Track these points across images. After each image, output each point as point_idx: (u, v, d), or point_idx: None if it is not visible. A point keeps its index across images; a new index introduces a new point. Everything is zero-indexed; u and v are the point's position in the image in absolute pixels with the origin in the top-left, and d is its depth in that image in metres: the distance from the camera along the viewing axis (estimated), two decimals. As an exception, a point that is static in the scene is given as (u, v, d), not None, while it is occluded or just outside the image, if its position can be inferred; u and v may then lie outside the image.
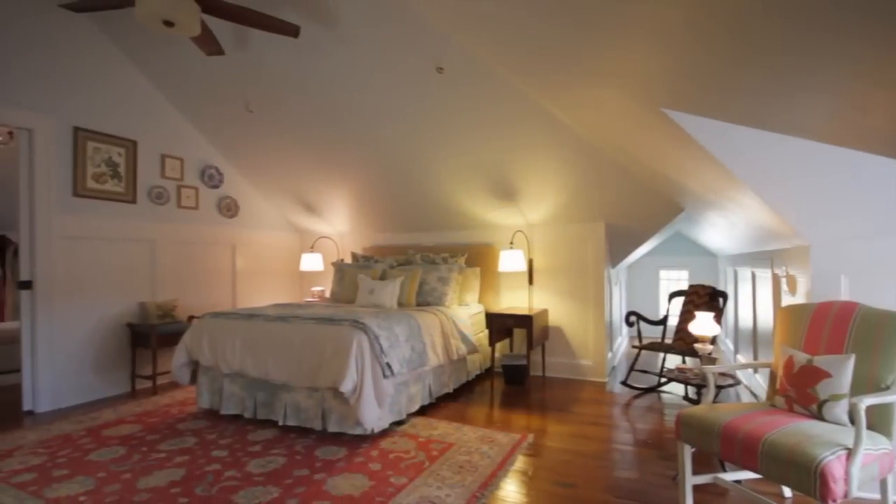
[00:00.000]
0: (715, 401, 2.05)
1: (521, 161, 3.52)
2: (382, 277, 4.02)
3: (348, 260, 4.98)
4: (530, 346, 3.49)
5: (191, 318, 3.72)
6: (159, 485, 2.07)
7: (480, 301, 4.26)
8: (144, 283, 3.80)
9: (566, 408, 3.19)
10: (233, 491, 2.01)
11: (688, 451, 1.80)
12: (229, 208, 4.57)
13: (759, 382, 3.30)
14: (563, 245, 4.08)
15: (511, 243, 4.07)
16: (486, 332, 3.97)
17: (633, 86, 2.05)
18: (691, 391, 3.41)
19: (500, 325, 3.63)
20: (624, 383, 3.73)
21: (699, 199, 3.18)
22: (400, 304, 3.73)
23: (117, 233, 3.60)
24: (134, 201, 3.72)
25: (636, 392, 3.58)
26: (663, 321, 3.90)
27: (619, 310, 5.17)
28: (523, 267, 3.91)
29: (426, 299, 3.79)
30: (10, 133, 4.19)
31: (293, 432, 2.70)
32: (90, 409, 3.20)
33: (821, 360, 1.70)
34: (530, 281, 4.17)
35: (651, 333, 4.79)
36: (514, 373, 3.76)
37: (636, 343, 3.77)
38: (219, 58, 3.26)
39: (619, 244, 4.16)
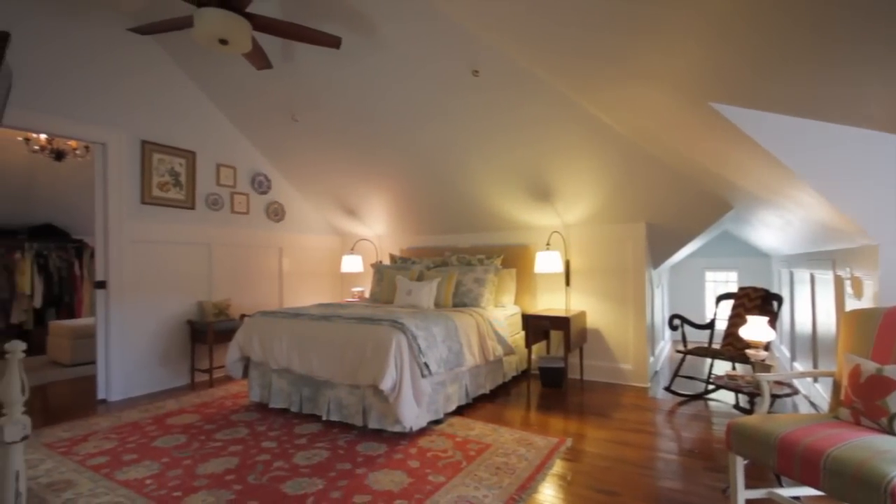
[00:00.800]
0: (770, 411, 1.95)
1: (557, 161, 3.48)
2: (420, 278, 4.10)
3: (387, 261, 5.11)
4: (568, 348, 3.44)
5: (242, 316, 3.96)
6: (216, 472, 2.23)
7: (516, 303, 4.25)
8: (202, 283, 4.09)
9: (606, 413, 3.13)
10: (281, 481, 2.13)
11: (740, 464, 1.73)
12: (276, 213, 4.82)
13: (819, 392, 3.09)
14: (602, 246, 3.99)
15: (547, 244, 4.03)
16: (523, 333, 3.96)
17: (679, 80, 2.00)
18: (743, 400, 3.25)
19: (536, 326, 3.61)
20: (668, 389, 3.60)
21: (750, 197, 3.02)
22: (437, 305, 3.79)
23: (178, 237, 3.90)
24: (193, 207, 4.01)
25: (681, 399, 3.44)
26: (710, 325, 3.73)
27: (661, 312, 4.98)
28: (560, 268, 3.87)
29: (462, 300, 3.83)
30: (87, 147, 4.63)
31: (336, 427, 2.82)
32: (155, 398, 3.48)
33: (892, 370, 1.59)
34: (567, 282, 4.11)
35: (696, 338, 4.59)
36: (551, 375, 3.73)
37: (680, 347, 3.63)
38: (267, 71, 3.46)
39: (660, 244, 4.01)
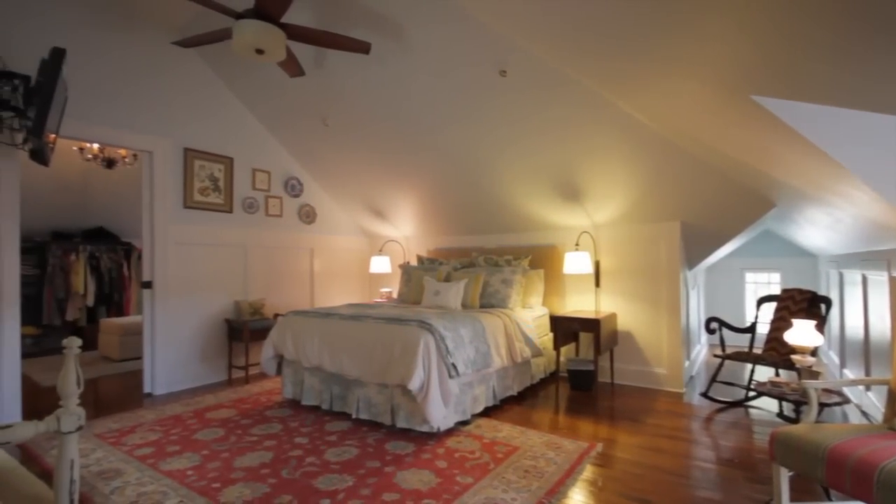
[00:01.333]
0: (817, 420, 1.85)
1: (587, 160, 3.42)
2: (447, 279, 4.12)
3: (414, 262, 5.16)
4: (598, 351, 3.37)
5: (276, 315, 4.10)
6: (251, 465, 2.32)
7: (544, 304, 4.19)
8: (238, 283, 4.26)
9: (638, 418, 3.04)
10: (313, 476, 2.19)
11: (784, 475, 1.65)
12: (308, 215, 4.96)
13: (872, 401, 2.89)
14: (633, 246, 3.88)
15: (577, 245, 3.96)
16: (551, 335, 3.90)
17: (717, 74, 1.92)
18: (787, 408, 3.08)
19: (565, 328, 3.55)
20: (704, 395, 3.46)
21: (795, 193, 2.87)
22: (464, 306, 3.79)
23: (217, 239, 4.08)
24: (230, 211, 4.19)
25: (719, 405, 3.30)
26: (751, 329, 3.56)
27: (696, 315, 4.79)
28: (589, 269, 3.79)
29: (489, 301, 3.82)
30: (135, 155, 4.92)
31: (365, 425, 2.87)
32: (196, 393, 3.65)
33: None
34: (597, 283, 4.03)
35: (735, 342, 4.38)
36: (581, 378, 3.66)
37: (718, 352, 3.48)
38: (299, 78, 3.57)
39: (696, 244, 3.86)
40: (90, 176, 5.30)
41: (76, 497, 1.16)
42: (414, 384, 2.53)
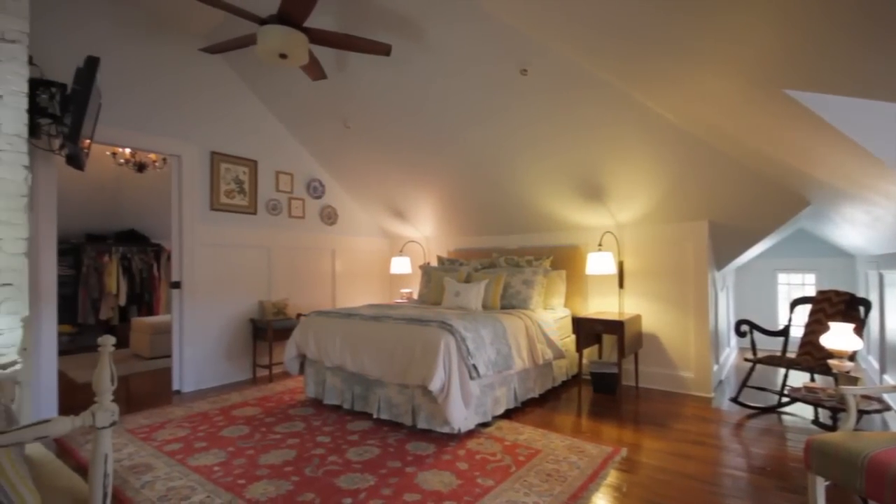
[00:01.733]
0: (856, 428, 1.76)
1: (611, 159, 3.35)
2: (467, 280, 4.11)
3: (434, 263, 5.16)
4: (622, 353, 3.30)
5: (299, 315, 4.16)
6: (275, 463, 2.35)
7: (566, 305, 4.13)
8: (262, 284, 4.34)
9: (664, 423, 2.96)
10: (335, 475, 2.21)
11: (821, 485, 1.58)
12: (330, 216, 5.02)
13: (917, 411, 2.74)
14: (659, 246, 3.78)
15: (599, 245, 3.89)
16: (573, 337, 3.84)
17: (747, 68, 1.86)
18: (823, 415, 2.95)
19: (587, 330, 3.49)
20: (734, 400, 3.34)
21: (831, 191, 2.75)
22: (484, 307, 3.77)
23: (242, 240, 4.17)
24: (255, 213, 4.28)
25: (750, 411, 3.19)
26: (784, 332, 3.42)
27: (725, 317, 4.64)
28: (613, 270, 3.71)
29: (511, 302, 3.78)
30: (165, 159, 5.07)
31: (386, 425, 2.88)
32: (222, 391, 3.74)
33: None
34: (621, 285, 3.94)
35: (767, 345, 4.21)
36: (604, 381, 3.58)
37: (749, 356, 3.36)
38: (321, 81, 3.61)
39: (725, 244, 3.74)
40: (122, 180, 5.50)
41: (109, 490, 1.19)
42: (434, 385, 2.53)
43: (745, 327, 3.45)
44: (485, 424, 2.87)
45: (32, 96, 2.47)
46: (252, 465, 2.32)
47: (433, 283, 4.31)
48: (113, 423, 1.19)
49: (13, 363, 1.92)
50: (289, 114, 4.35)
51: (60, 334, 3.18)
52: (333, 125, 4.20)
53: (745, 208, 3.33)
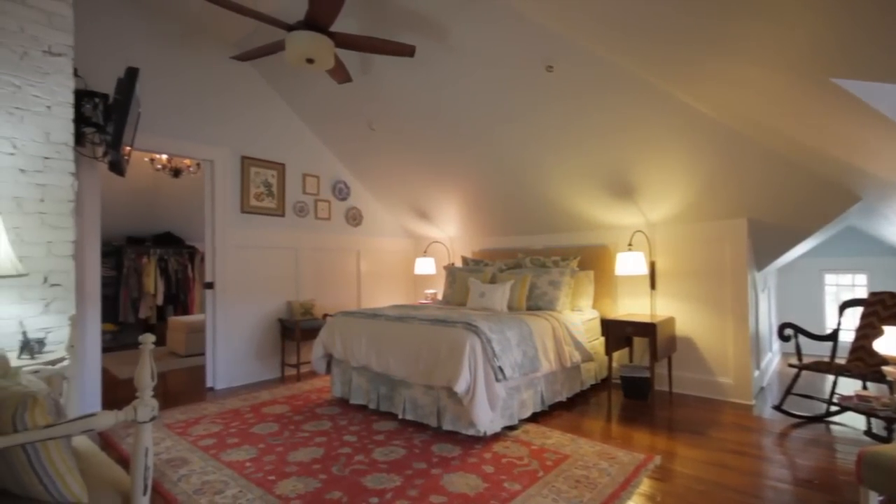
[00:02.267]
0: (913, 440, 1.64)
1: (642, 155, 3.25)
2: (492, 281, 4.07)
3: (459, 264, 5.14)
4: (654, 357, 3.19)
5: (325, 315, 4.23)
6: (304, 460, 2.39)
7: (595, 307, 4.03)
8: (290, 284, 4.44)
9: (701, 430, 2.84)
10: (361, 474, 2.23)
11: (874, 500, 1.47)
12: (355, 218, 5.09)
13: (984, 423, 2.52)
14: (694, 246, 3.64)
15: (630, 245, 3.77)
16: (602, 339, 3.74)
17: (791, 56, 1.76)
18: (877, 425, 2.76)
19: (617, 332, 3.39)
20: (778, 408, 3.17)
21: (884, 185, 2.57)
22: (510, 308, 3.72)
23: (270, 242, 4.28)
24: (283, 215, 4.38)
25: (795, 420, 3.02)
26: (832, 336, 3.22)
27: (767, 320, 4.41)
28: (644, 270, 3.60)
29: (537, 304, 3.72)
30: (198, 164, 5.26)
31: (411, 426, 2.88)
32: (252, 389, 3.84)
33: None
34: (652, 286, 3.81)
35: (813, 350, 3.98)
36: (635, 385, 3.47)
37: (794, 361, 3.18)
38: (346, 84, 3.66)
39: (766, 243, 3.56)
40: (159, 184, 5.75)
41: (150, 483, 1.23)
42: (460, 386, 2.51)
43: (789, 331, 3.27)
44: (511, 427, 2.82)
45: (77, 106, 2.60)
46: (281, 462, 2.36)
47: (458, 284, 4.29)
48: (153, 418, 1.23)
49: (61, 359, 2.02)
50: (315, 117, 4.43)
51: (103, 332, 3.34)
52: (358, 127, 4.25)
53: (788, 205, 3.16)
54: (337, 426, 2.90)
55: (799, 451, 2.53)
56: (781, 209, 3.22)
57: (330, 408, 3.28)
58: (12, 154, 2.20)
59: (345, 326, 3.32)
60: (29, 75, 2.24)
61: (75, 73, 2.45)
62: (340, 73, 3.09)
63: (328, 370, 3.54)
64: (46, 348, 2.11)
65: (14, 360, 1.89)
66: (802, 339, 3.25)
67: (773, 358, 4.64)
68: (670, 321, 3.55)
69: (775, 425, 2.94)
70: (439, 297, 5.16)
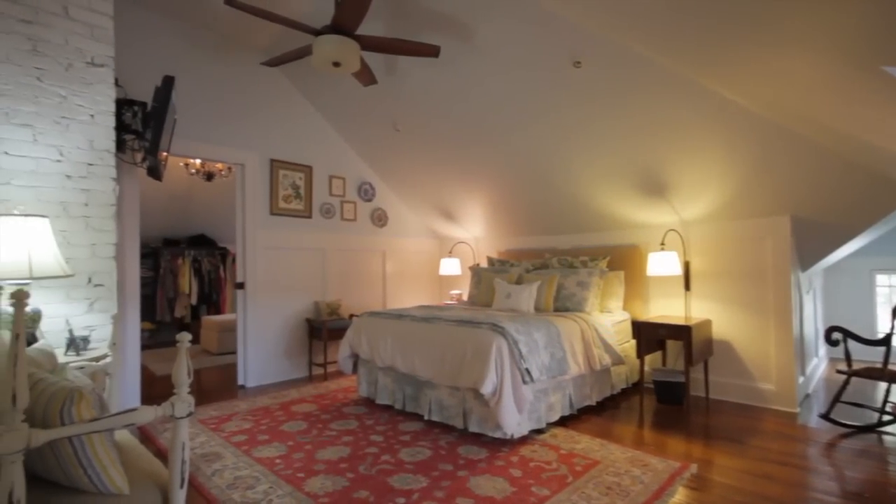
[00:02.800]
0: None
1: (674, 151, 3.13)
2: (518, 282, 4.01)
3: (484, 264, 5.10)
4: (689, 361, 3.06)
5: (351, 315, 4.27)
6: (331, 458, 2.41)
7: (625, 308, 3.91)
8: (317, 285, 4.51)
9: (740, 438, 2.70)
10: (388, 474, 2.23)
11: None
12: (380, 219, 5.13)
13: None
14: (732, 245, 3.48)
15: (662, 244, 3.64)
16: (633, 342, 3.63)
17: (838, 44, 1.65)
18: (935, 438, 2.56)
19: (649, 335, 3.27)
20: (825, 417, 2.99)
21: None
22: (537, 309, 3.66)
23: (298, 243, 4.36)
24: (310, 216, 4.46)
25: (844, 430, 2.84)
26: (885, 341, 3.01)
27: (812, 324, 4.17)
28: (678, 270, 3.46)
29: (565, 305, 3.64)
30: (230, 168, 5.43)
31: (437, 427, 2.87)
32: (281, 387, 3.92)
33: None
34: (687, 287, 3.67)
35: (864, 356, 3.73)
36: (669, 390, 3.35)
37: (843, 367, 2.99)
38: (371, 86, 3.69)
39: (811, 242, 3.36)
40: (193, 188, 5.96)
41: (186, 476, 1.27)
42: (486, 388, 2.48)
43: (837, 335, 3.07)
44: (538, 431, 2.77)
45: (118, 114, 2.72)
46: (310, 460, 2.39)
47: (483, 285, 4.26)
48: (189, 414, 1.26)
49: (104, 356, 2.11)
50: (340, 119, 4.49)
51: (141, 331, 3.48)
52: (383, 128, 4.28)
53: (835, 201, 2.97)
54: (363, 426, 2.91)
55: (848, 463, 2.37)
56: (827, 206, 3.03)
57: (356, 407, 3.31)
58: (59, 161, 2.31)
59: (371, 327, 3.34)
60: (74, 85, 2.36)
61: (116, 83, 2.56)
62: (366, 76, 3.12)
63: (354, 370, 3.57)
64: (91, 346, 2.21)
65: (61, 357, 1.99)
66: (852, 343, 3.04)
67: (820, 364, 4.39)
68: (706, 324, 3.40)
69: (822, 435, 2.77)
70: (465, 297, 5.13)
